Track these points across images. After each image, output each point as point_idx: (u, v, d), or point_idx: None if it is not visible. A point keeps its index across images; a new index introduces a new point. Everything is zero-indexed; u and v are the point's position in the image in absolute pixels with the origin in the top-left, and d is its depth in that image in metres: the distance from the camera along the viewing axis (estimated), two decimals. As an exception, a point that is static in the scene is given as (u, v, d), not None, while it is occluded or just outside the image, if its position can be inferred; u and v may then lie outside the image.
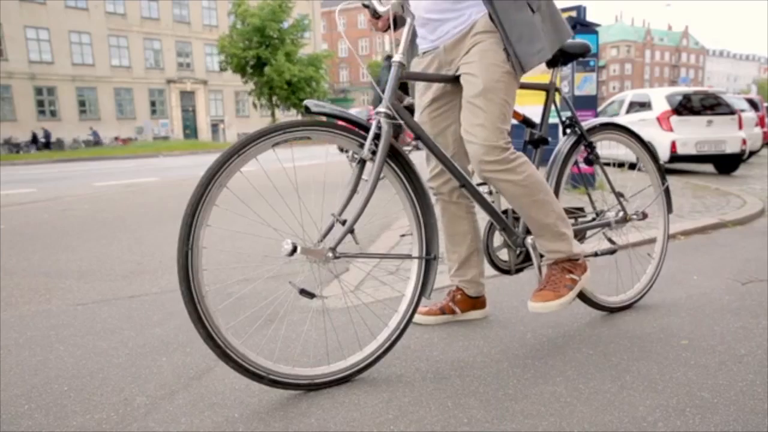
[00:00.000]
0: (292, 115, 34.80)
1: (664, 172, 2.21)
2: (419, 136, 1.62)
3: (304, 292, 1.40)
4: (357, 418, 1.32)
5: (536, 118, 1.90)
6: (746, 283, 2.40)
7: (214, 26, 35.74)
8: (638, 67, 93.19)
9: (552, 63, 1.86)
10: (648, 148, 2.16)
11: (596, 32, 5.55)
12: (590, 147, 1.96)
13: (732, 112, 8.13)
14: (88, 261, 3.09)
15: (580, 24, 5.68)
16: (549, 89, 1.90)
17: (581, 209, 2.04)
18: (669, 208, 2.28)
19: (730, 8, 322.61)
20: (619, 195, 2.09)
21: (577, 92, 5.43)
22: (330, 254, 1.43)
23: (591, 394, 1.42)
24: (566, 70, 5.67)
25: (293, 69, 27.30)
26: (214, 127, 35.92)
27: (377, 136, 1.48)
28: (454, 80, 1.68)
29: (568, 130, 1.97)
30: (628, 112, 9.07)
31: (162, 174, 8.69)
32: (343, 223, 1.43)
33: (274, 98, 28.88)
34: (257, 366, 1.40)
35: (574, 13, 6.12)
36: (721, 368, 1.55)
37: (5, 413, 1.37)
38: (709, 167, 8.69)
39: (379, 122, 1.49)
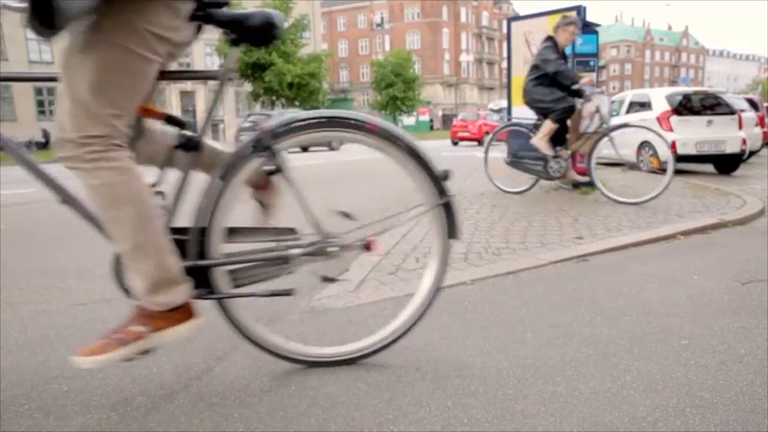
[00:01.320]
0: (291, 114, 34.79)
1: (441, 181, 1.54)
2: None
3: None
4: (357, 418, 1.32)
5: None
6: (746, 283, 2.40)
7: (214, 26, 35.73)
8: (638, 67, 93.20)
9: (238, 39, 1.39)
10: (411, 148, 1.51)
11: (596, 32, 5.56)
12: (272, 155, 1.45)
13: (732, 112, 8.13)
14: (88, 261, 3.08)
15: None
16: (220, 77, 1.46)
17: (292, 230, 1.54)
18: (450, 232, 1.58)
19: (730, 8, 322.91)
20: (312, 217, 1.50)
21: (577, 92, 5.42)
22: None
23: (591, 394, 1.42)
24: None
25: (294, 70, 27.30)
26: (214, 127, 35.88)
27: None
28: None
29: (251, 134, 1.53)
30: (628, 112, 9.08)
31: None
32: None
33: (274, 98, 28.92)
34: None
35: (574, 13, 6.12)
36: (721, 368, 1.55)
37: (5, 413, 1.37)
38: (709, 167, 8.68)
39: None
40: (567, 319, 1.98)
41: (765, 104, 11.10)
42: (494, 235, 3.39)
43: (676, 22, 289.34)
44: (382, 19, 55.57)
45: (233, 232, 1.51)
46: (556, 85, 4.73)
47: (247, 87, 30.24)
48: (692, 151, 7.90)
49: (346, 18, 63.52)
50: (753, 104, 10.35)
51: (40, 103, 29.83)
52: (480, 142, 21.49)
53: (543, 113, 4.82)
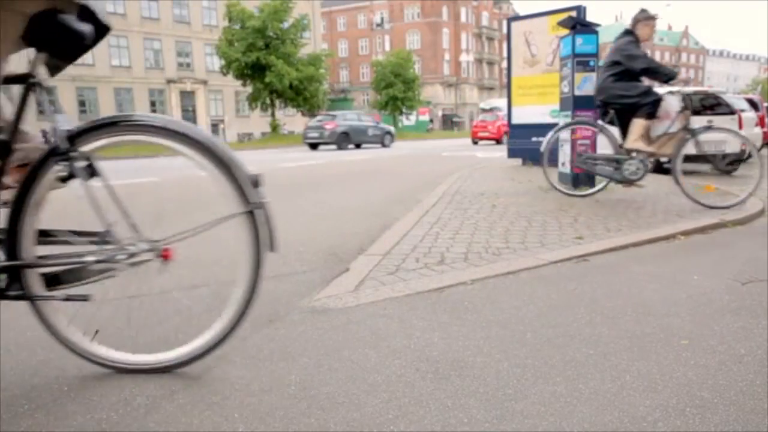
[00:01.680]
0: (291, 114, 34.87)
1: (249, 185, 1.42)
2: None
3: None
4: (357, 418, 1.32)
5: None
6: (746, 283, 2.40)
7: (214, 26, 35.72)
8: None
9: (38, 43, 1.38)
10: (209, 149, 1.40)
11: (596, 32, 5.55)
12: (69, 159, 1.39)
13: (732, 112, 8.14)
14: (88, 261, 3.09)
15: (580, 24, 5.69)
16: (26, 80, 1.44)
17: (97, 234, 1.47)
18: (271, 244, 1.46)
19: (730, 8, 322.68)
20: (110, 225, 1.44)
21: (577, 92, 5.43)
22: None
23: (591, 394, 1.42)
24: (566, 69, 5.66)
25: (292, 73, 27.20)
26: (214, 127, 35.90)
27: None
28: None
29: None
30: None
31: (162, 174, 8.70)
32: None
33: (274, 98, 28.93)
34: None
35: (574, 13, 6.12)
36: (721, 368, 1.55)
37: (5, 413, 1.37)
38: (709, 167, 8.68)
39: None
40: (567, 319, 1.98)
41: (765, 104, 11.10)
42: (494, 235, 3.39)
43: (676, 22, 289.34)
44: (382, 19, 55.59)
45: (45, 235, 1.50)
46: (637, 79, 4.54)
47: (249, 87, 30.23)
48: (692, 151, 7.90)
49: (346, 18, 63.53)
50: (753, 104, 10.34)
51: (40, 103, 29.84)
52: (499, 141, 21.51)
53: (629, 109, 4.51)
